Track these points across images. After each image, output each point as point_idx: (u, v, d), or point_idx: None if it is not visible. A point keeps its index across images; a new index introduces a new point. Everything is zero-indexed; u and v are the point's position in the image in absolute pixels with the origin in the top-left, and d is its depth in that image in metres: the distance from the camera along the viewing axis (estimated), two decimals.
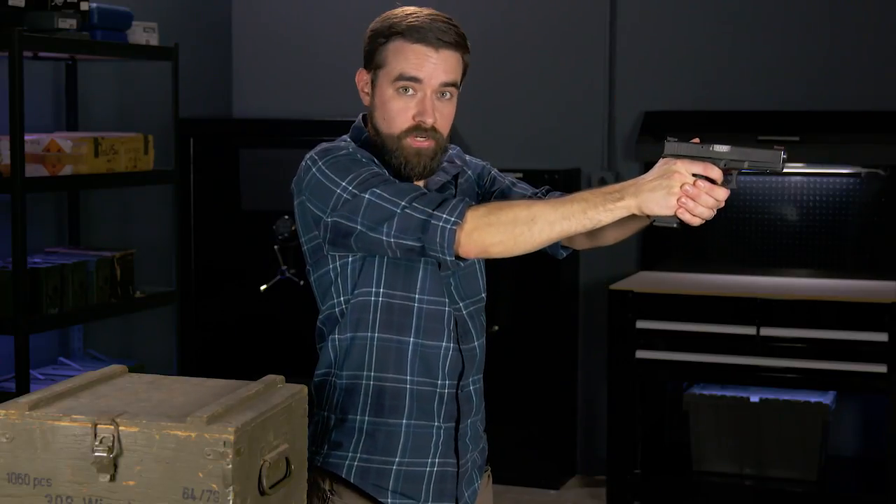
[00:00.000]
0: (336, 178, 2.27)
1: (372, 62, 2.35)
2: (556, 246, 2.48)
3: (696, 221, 2.14)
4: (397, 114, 2.32)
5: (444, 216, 2.18)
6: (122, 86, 5.26)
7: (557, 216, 2.14)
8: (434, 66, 2.30)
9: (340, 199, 2.25)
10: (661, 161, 2.17)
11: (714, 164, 2.15)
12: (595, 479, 5.54)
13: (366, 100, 2.39)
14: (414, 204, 2.20)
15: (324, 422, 2.39)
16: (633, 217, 2.22)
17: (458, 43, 2.33)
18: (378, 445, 2.35)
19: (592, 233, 2.38)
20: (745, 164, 2.18)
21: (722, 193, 2.14)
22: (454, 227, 2.17)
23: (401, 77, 2.30)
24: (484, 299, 2.48)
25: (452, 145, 2.52)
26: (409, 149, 2.32)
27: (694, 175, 2.13)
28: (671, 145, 2.18)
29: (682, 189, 2.12)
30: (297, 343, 4.33)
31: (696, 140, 2.19)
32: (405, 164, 2.33)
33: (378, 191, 2.23)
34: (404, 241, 2.21)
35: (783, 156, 2.17)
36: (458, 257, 2.19)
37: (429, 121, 2.31)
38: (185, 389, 2.06)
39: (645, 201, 2.12)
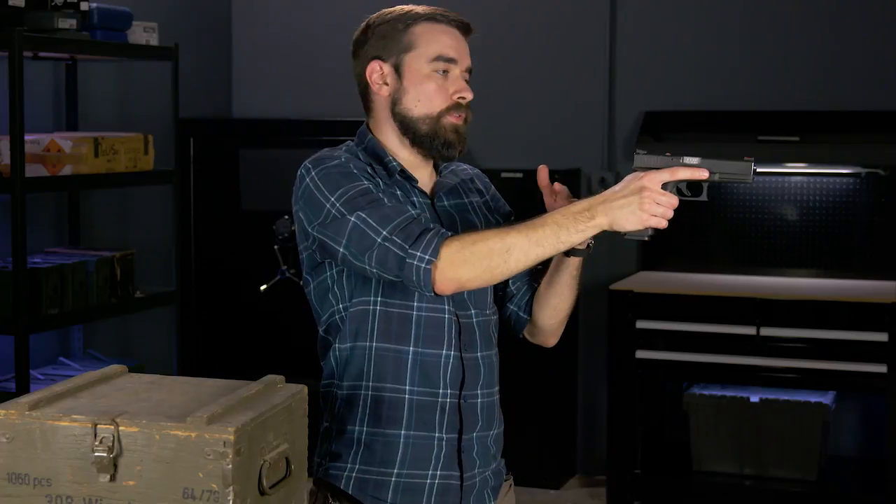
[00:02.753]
0: (326, 192, 2.25)
1: (391, 49, 2.34)
2: (521, 327, 2.54)
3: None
4: (435, 93, 2.32)
5: (419, 254, 2.16)
6: (122, 86, 5.26)
7: (531, 243, 2.14)
8: (463, 48, 2.36)
9: (329, 215, 2.24)
10: (629, 175, 2.17)
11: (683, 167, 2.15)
12: (595, 479, 5.54)
13: (384, 91, 2.35)
14: (393, 237, 2.18)
15: (325, 432, 2.38)
16: (565, 267, 2.36)
17: (470, 28, 2.39)
18: (376, 457, 2.32)
19: (548, 312, 2.47)
20: (717, 177, 2.17)
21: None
22: (428, 267, 2.15)
23: (440, 58, 2.32)
24: (496, 311, 2.47)
25: (472, 166, 2.55)
26: (448, 127, 2.33)
27: (664, 185, 2.13)
28: (641, 158, 2.17)
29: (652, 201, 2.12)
30: (297, 343, 4.32)
31: (668, 154, 2.19)
32: (446, 146, 2.33)
33: (363, 214, 2.21)
34: (385, 275, 2.22)
35: (753, 167, 2.17)
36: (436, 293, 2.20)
37: (468, 96, 2.34)
38: (185, 389, 2.06)
39: (616, 219, 2.13)
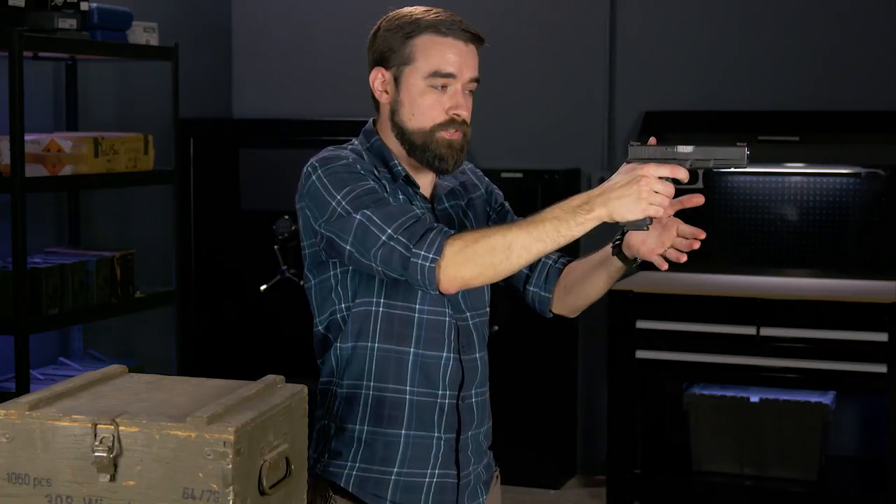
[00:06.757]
0: (332, 190, 2.26)
1: (393, 59, 2.33)
2: (546, 306, 2.55)
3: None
4: (430, 108, 2.31)
5: (423, 253, 2.16)
6: (122, 86, 5.26)
7: (532, 239, 2.14)
8: (464, 60, 2.32)
9: (335, 213, 2.25)
10: (625, 166, 2.17)
11: (680, 164, 2.16)
12: (595, 479, 5.54)
13: (384, 98, 2.36)
14: (398, 236, 2.19)
15: (325, 430, 2.39)
16: (608, 266, 2.40)
17: (479, 38, 2.35)
18: (377, 455, 2.34)
19: (578, 293, 2.52)
20: (711, 163, 2.18)
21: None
22: (433, 265, 2.16)
23: (436, 73, 2.30)
24: (488, 313, 2.49)
25: (466, 161, 2.53)
26: (442, 142, 2.32)
27: (661, 178, 2.13)
28: (635, 149, 2.17)
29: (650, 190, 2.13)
30: (296, 343, 4.32)
31: (653, 140, 2.20)
32: (438, 159, 2.33)
33: (369, 213, 2.21)
34: (390, 273, 2.22)
35: (747, 152, 2.17)
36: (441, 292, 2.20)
37: (463, 114, 2.32)
38: (185, 389, 2.06)
39: (615, 209, 2.13)
